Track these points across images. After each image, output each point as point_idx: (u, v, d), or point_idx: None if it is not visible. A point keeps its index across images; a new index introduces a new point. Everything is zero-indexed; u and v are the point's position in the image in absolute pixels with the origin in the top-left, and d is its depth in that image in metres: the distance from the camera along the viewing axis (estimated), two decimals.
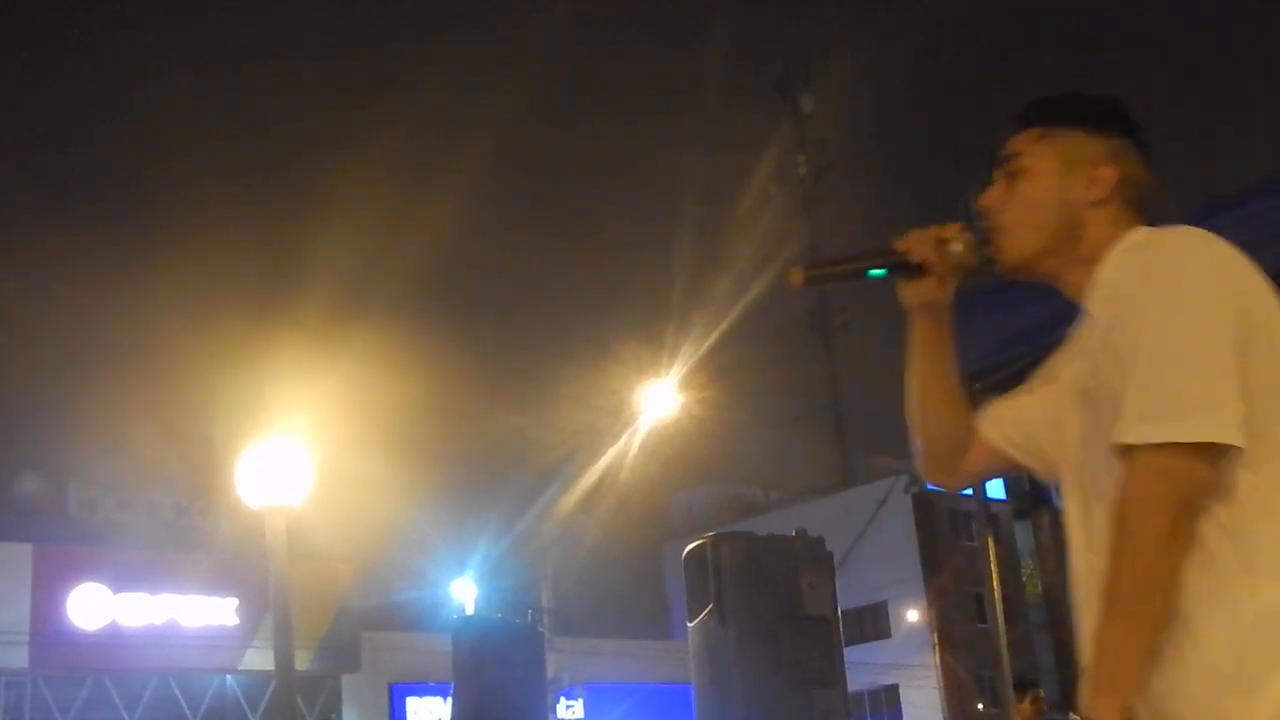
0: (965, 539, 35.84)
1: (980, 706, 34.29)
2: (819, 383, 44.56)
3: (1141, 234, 1.92)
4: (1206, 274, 1.80)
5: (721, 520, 36.89)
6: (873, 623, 36.94)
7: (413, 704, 28.14)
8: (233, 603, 25.33)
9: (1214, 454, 1.72)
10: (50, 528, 24.52)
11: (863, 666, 30.69)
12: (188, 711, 25.01)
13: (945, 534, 36.98)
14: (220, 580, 24.92)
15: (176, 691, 24.90)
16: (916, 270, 2.15)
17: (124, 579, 24.35)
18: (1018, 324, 5.07)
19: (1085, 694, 1.73)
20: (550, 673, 16.20)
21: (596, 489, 25.71)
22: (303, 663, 21.98)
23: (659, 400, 22.88)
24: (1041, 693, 9.03)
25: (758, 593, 5.95)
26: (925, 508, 36.03)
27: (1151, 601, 1.71)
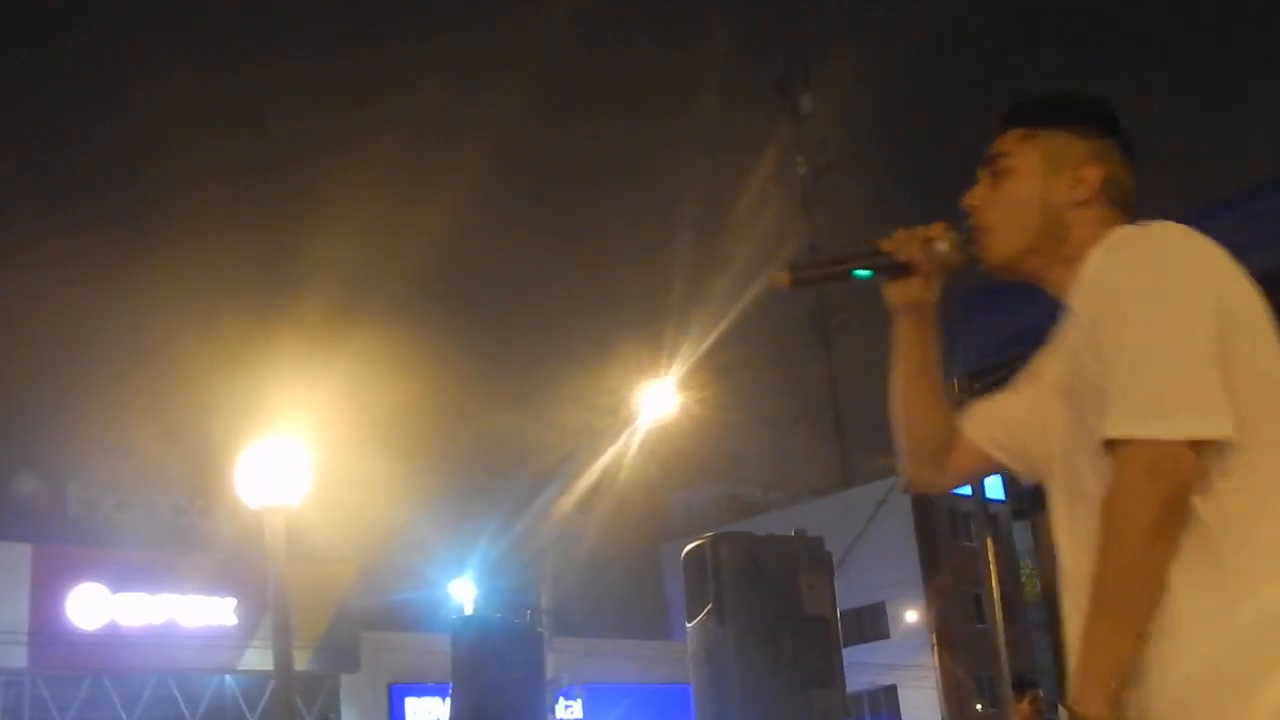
0: (964, 539, 35.85)
1: (979, 707, 34.29)
2: (818, 383, 44.59)
3: (1123, 232, 1.92)
4: (1188, 269, 1.81)
5: (720, 520, 36.89)
6: (871, 623, 36.94)
7: (412, 704, 28.14)
8: (232, 603, 25.32)
9: (1200, 450, 1.72)
10: (49, 528, 24.50)
11: (861, 667, 30.70)
12: (186, 711, 25.00)
13: (944, 534, 36.98)
14: (219, 580, 24.91)
15: (175, 691, 24.89)
16: (903, 270, 2.16)
17: (123, 579, 24.34)
18: (1018, 324, 5.07)
19: (1072, 686, 1.75)
20: (549, 673, 16.19)
21: (595, 489, 25.72)
22: (302, 663, 21.98)
23: (658, 400, 22.88)
24: (1040, 693, 9.02)
25: (757, 593, 5.95)
26: (924, 508, 36.02)
27: (1138, 597, 1.71)
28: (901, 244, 2.15)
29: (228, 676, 25.62)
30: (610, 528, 31.64)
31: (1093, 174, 2.01)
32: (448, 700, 8.67)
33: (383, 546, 29.68)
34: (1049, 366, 2.03)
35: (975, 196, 2.09)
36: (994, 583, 5.65)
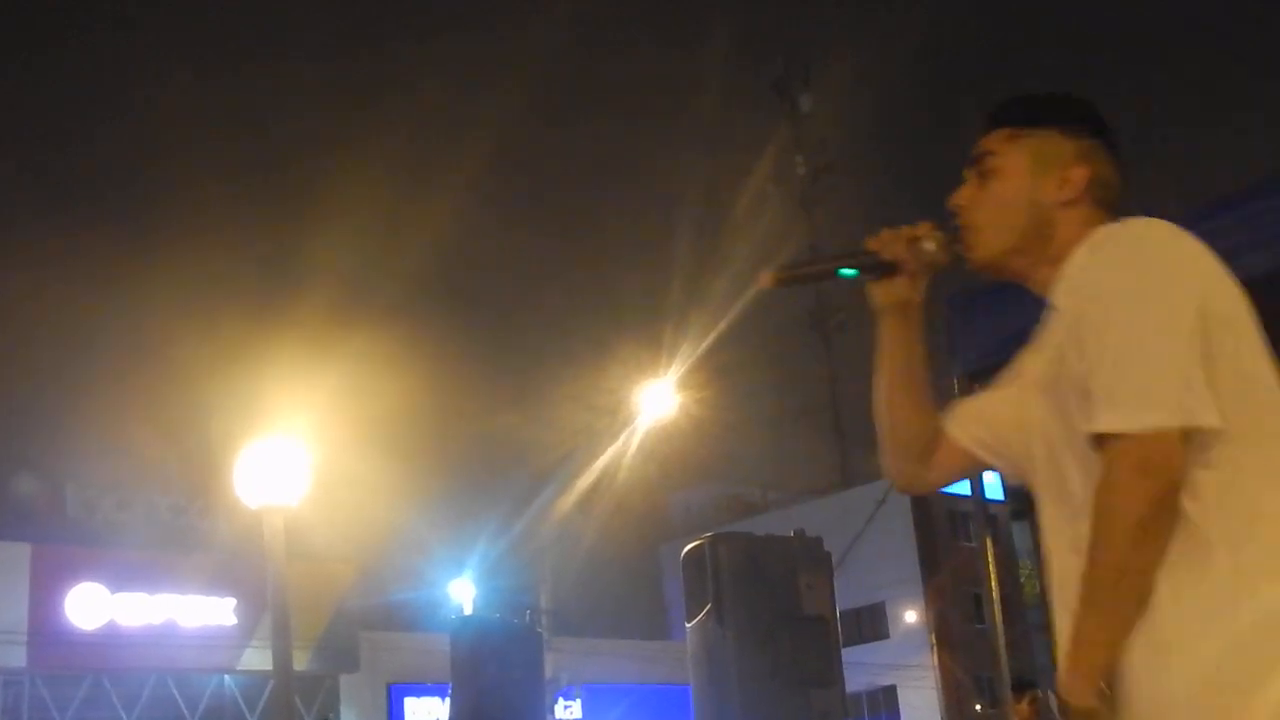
0: (963, 539, 35.83)
1: (978, 707, 34.28)
2: (817, 383, 44.59)
3: (1107, 230, 1.92)
4: (1172, 267, 1.82)
5: (720, 520, 36.88)
6: (871, 623, 36.95)
7: (411, 704, 28.13)
8: (231, 603, 25.32)
9: (1188, 440, 1.73)
10: (49, 528, 24.51)
11: (861, 667, 30.71)
12: (185, 711, 25.00)
13: (943, 534, 36.98)
14: (218, 580, 24.91)
15: (174, 691, 24.89)
16: (889, 269, 2.17)
17: (122, 579, 24.34)
18: (1018, 324, 5.06)
19: (1062, 674, 1.76)
20: (548, 673, 16.21)
21: (595, 489, 25.72)
22: (301, 663, 21.98)
23: (657, 400, 22.88)
24: (1039, 693, 9.02)
25: (756, 593, 5.96)
26: (923, 508, 36.01)
27: (1128, 592, 1.72)
28: (887, 243, 2.16)
29: (227, 676, 25.63)
30: (609, 528, 31.66)
31: (1079, 174, 2.01)
32: (447, 700, 8.68)
33: (382, 546, 29.71)
34: (1032, 365, 2.03)
35: (962, 196, 2.10)
36: (993, 583, 5.64)
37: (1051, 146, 2.03)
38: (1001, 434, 2.10)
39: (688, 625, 6.16)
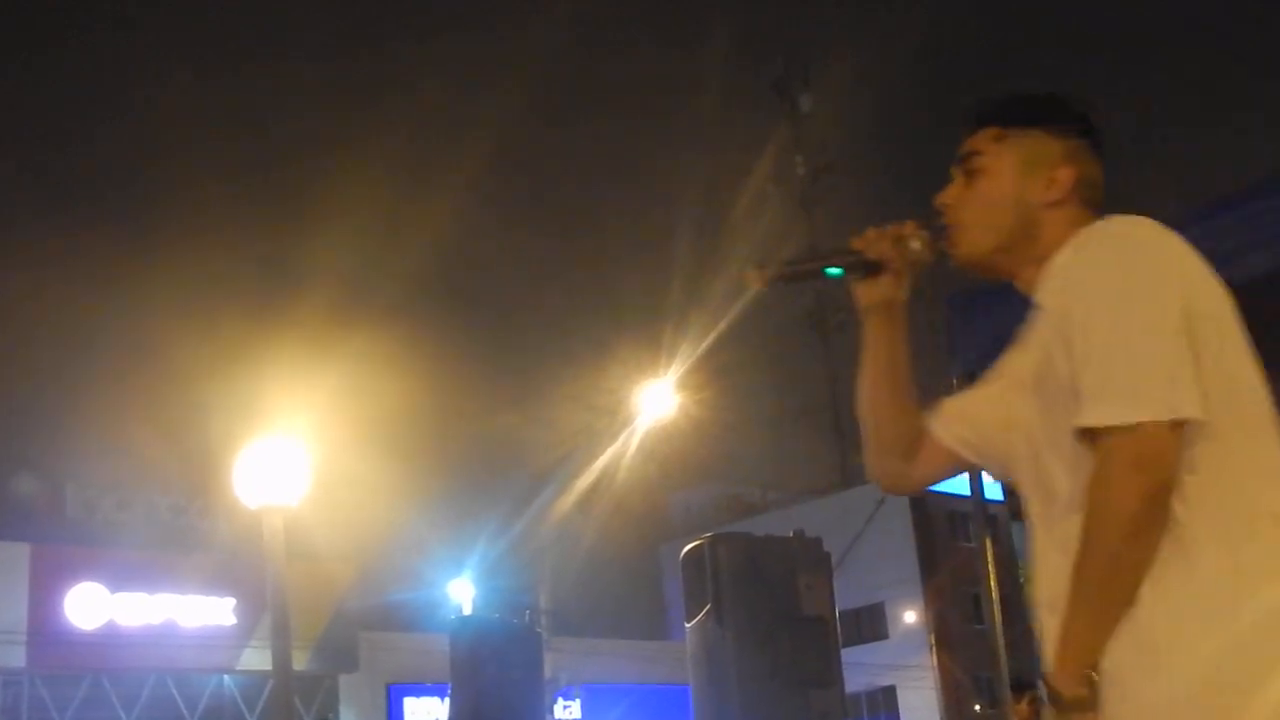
0: (962, 539, 35.82)
1: (977, 707, 34.30)
2: (817, 383, 44.55)
3: (1091, 229, 1.93)
4: (1157, 265, 1.82)
5: (719, 520, 36.88)
6: (870, 623, 36.94)
7: (410, 704, 28.14)
8: (230, 602, 25.33)
9: (1180, 433, 1.73)
10: (48, 528, 24.52)
11: (860, 667, 30.70)
12: (185, 711, 25.00)
13: (943, 535, 36.99)
14: (218, 580, 24.91)
15: (174, 691, 24.90)
16: (874, 268, 2.17)
17: (122, 579, 24.35)
18: (1017, 324, 5.07)
19: (1051, 667, 1.77)
20: (548, 673, 16.20)
21: (594, 489, 25.73)
22: (300, 663, 21.98)
23: (657, 400, 22.88)
24: (1039, 693, 9.01)
25: (755, 593, 5.96)
26: (923, 509, 36.03)
27: (1120, 586, 1.73)
28: (872, 242, 2.17)
29: (226, 676, 25.63)
30: (609, 528, 31.67)
31: (1066, 174, 2.02)
32: (446, 700, 8.68)
33: (381, 547, 29.72)
34: (1016, 363, 2.04)
35: (949, 195, 2.10)
36: (993, 583, 5.63)
37: (1038, 146, 2.04)
38: (986, 433, 2.11)
39: (687, 625, 6.16)
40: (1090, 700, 1.73)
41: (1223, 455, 1.77)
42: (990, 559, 5.63)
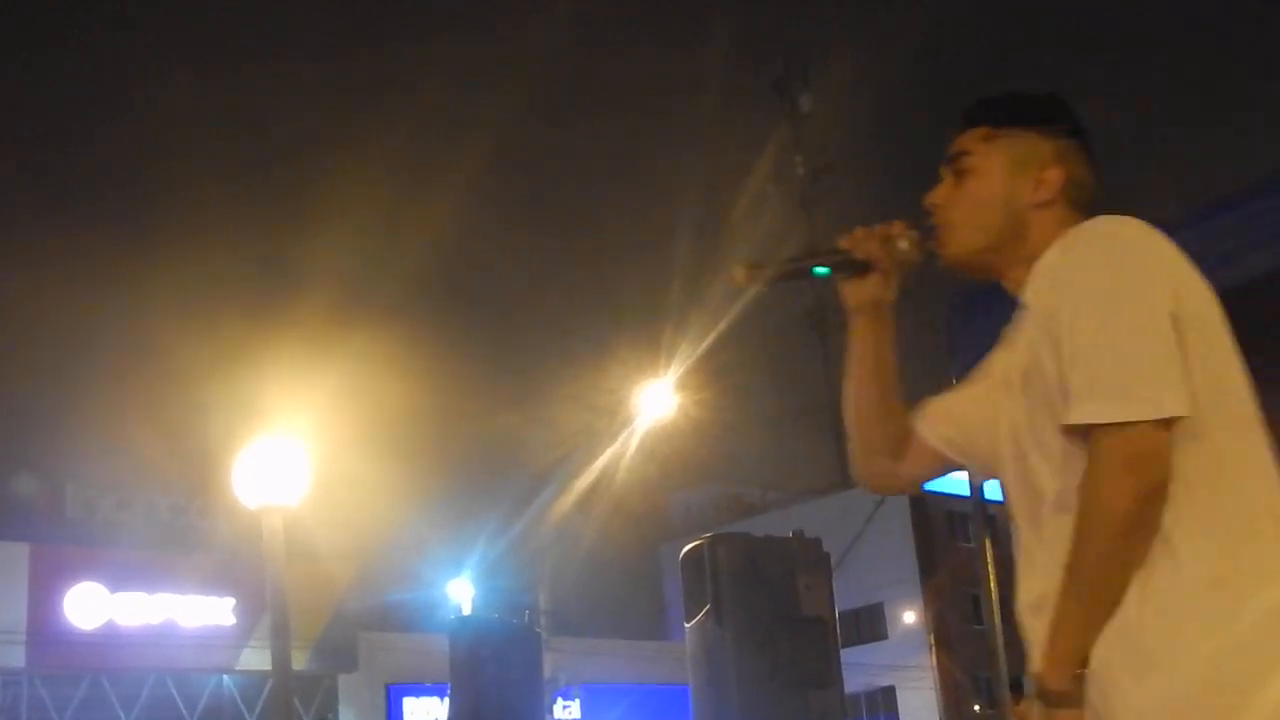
0: (962, 540, 35.82)
1: (976, 708, 34.30)
2: (817, 383, 44.49)
3: (1078, 229, 1.93)
4: (1143, 262, 1.82)
5: (719, 521, 36.87)
6: (869, 624, 36.94)
7: (409, 704, 28.13)
8: (230, 602, 25.33)
9: (1169, 433, 1.73)
10: (48, 528, 24.52)
11: (859, 668, 30.70)
12: (184, 711, 25.00)
13: (942, 535, 36.99)
14: (217, 580, 24.92)
15: (173, 691, 24.89)
16: (862, 268, 2.17)
17: (121, 579, 24.35)
18: None
19: (1038, 661, 1.78)
20: (547, 673, 16.19)
21: (594, 489, 25.72)
22: (299, 663, 21.98)
23: (656, 400, 22.88)
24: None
25: (755, 594, 5.96)
26: (922, 509, 36.03)
27: (1110, 585, 1.74)
28: (860, 242, 2.16)
29: (225, 676, 25.63)
30: (608, 528, 31.66)
31: (1055, 175, 2.02)
32: (446, 700, 8.67)
33: (381, 547, 29.70)
34: (1001, 363, 2.04)
35: (938, 195, 2.10)
36: (992, 584, 5.63)
37: (1028, 147, 2.04)
38: (971, 433, 2.11)
39: (687, 626, 6.16)
40: (1077, 697, 1.74)
41: (1212, 455, 1.77)
42: (989, 559, 5.62)
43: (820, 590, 6.10)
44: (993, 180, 2.04)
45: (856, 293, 2.19)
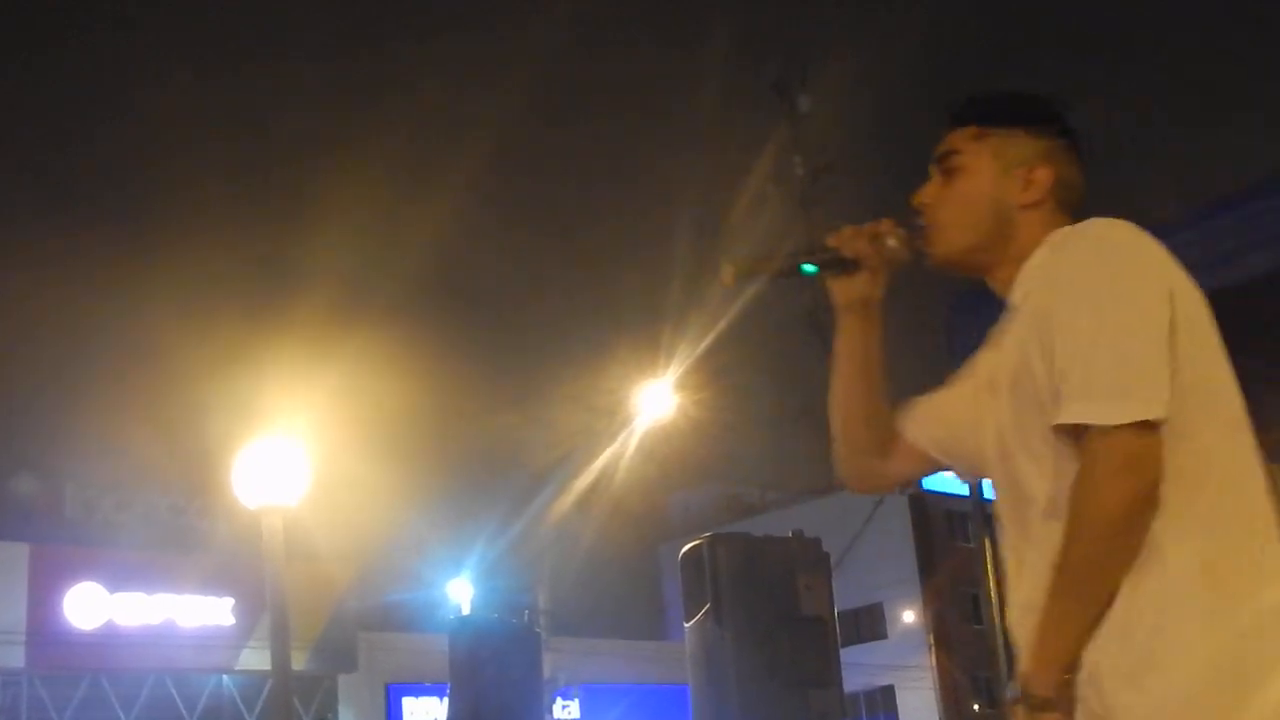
0: (961, 540, 35.82)
1: (976, 707, 34.31)
2: (817, 383, 44.44)
3: (1066, 230, 1.93)
4: (1135, 264, 1.82)
5: (719, 520, 36.87)
6: (869, 623, 36.97)
7: (409, 704, 28.13)
8: (229, 603, 25.32)
9: (1160, 435, 1.73)
10: (47, 528, 24.50)
11: (859, 667, 30.71)
12: (184, 711, 24.99)
13: (941, 535, 37.00)
14: (217, 580, 24.91)
15: (173, 691, 24.89)
16: (850, 266, 2.16)
17: (121, 579, 24.34)
18: None
19: (1025, 666, 1.77)
20: (546, 673, 16.19)
21: (593, 489, 25.67)
22: (299, 663, 21.97)
23: (656, 400, 22.85)
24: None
25: (754, 594, 5.96)
26: (921, 509, 36.05)
27: (1099, 587, 1.73)
28: (848, 240, 2.16)
29: (225, 676, 25.62)
30: (608, 528, 31.62)
31: (1043, 175, 2.02)
32: (445, 700, 8.67)
33: (381, 547, 29.68)
34: (987, 363, 2.04)
35: (926, 194, 2.10)
36: (991, 583, 5.63)
37: (1017, 146, 2.03)
38: (957, 434, 2.10)
39: (686, 626, 6.16)
40: (1062, 701, 1.73)
41: (1199, 454, 1.77)
42: (989, 559, 5.62)
43: (820, 590, 6.10)
44: (981, 179, 2.04)
45: (845, 291, 2.19)
